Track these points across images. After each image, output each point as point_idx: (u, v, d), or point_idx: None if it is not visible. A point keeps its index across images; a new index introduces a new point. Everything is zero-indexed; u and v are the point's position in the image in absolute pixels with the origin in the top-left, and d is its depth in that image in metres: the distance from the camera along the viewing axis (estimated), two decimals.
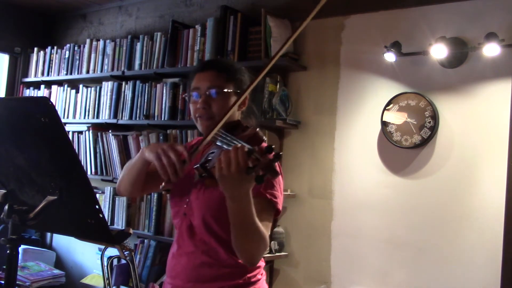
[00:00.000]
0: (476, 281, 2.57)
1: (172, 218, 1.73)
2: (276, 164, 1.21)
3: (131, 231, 2.63)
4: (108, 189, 3.89)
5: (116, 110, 3.93)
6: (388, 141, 2.84)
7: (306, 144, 3.17)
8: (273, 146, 1.20)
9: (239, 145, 1.23)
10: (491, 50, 2.51)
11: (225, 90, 1.61)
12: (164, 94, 3.59)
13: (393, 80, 2.90)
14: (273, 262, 3.19)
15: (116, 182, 3.96)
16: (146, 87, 3.74)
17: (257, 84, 3.50)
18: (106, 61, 4.09)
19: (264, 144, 1.30)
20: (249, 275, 1.61)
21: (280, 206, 1.56)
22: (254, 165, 1.19)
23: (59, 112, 3.04)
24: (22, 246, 4.10)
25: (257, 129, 1.40)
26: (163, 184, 1.43)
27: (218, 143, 1.41)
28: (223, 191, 1.28)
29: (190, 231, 1.61)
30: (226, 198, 1.31)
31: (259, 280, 1.64)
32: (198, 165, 1.36)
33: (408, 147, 2.79)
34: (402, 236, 2.80)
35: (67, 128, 4.17)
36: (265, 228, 1.43)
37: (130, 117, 3.81)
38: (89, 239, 1.49)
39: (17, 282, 3.59)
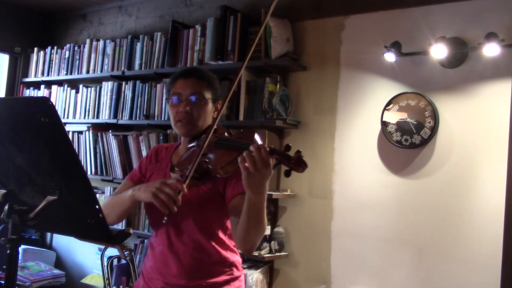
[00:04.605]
0: (476, 281, 2.57)
1: (152, 224, 1.81)
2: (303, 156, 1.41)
3: (131, 231, 2.62)
4: (108, 189, 3.89)
5: (116, 110, 3.93)
6: (388, 141, 2.84)
7: (306, 144, 3.17)
8: (290, 145, 1.43)
9: (261, 145, 1.40)
10: (491, 50, 2.50)
11: (206, 97, 1.75)
12: (164, 94, 3.59)
13: (393, 80, 2.90)
14: (273, 262, 3.19)
15: (116, 182, 3.96)
16: (146, 87, 3.74)
17: (257, 84, 3.51)
18: (106, 61, 4.09)
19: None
20: (234, 271, 1.74)
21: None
22: (279, 162, 1.40)
23: (59, 112, 3.04)
24: (22, 246, 4.11)
25: (255, 134, 1.57)
26: (165, 218, 1.53)
27: (215, 146, 1.57)
28: (246, 188, 1.43)
29: (178, 231, 1.70)
30: (246, 193, 1.46)
31: (240, 275, 1.78)
32: (189, 167, 1.54)
33: (408, 147, 2.79)
34: (402, 236, 2.80)
35: (67, 128, 4.17)
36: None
37: (130, 117, 3.81)
38: (89, 239, 1.49)
39: (17, 282, 3.59)
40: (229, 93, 1.64)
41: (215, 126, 1.62)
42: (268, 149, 1.39)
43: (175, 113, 1.74)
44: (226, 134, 1.68)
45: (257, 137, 1.56)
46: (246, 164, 1.37)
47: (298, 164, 1.39)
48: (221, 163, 1.52)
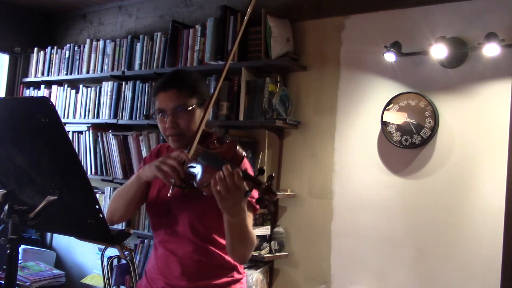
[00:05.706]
0: (476, 281, 2.57)
1: (152, 228, 1.82)
2: (273, 185, 1.38)
3: (131, 231, 2.63)
4: (108, 189, 3.89)
5: (116, 110, 3.93)
6: (388, 141, 2.84)
7: (306, 144, 3.17)
8: (264, 168, 1.39)
9: (233, 169, 1.37)
10: (491, 50, 2.50)
11: (190, 107, 1.69)
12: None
13: (393, 80, 2.90)
14: (273, 262, 3.19)
15: (116, 182, 3.96)
16: (146, 87, 3.74)
17: (257, 84, 3.48)
18: (106, 61, 4.09)
19: (246, 162, 1.56)
20: (235, 273, 1.75)
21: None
22: (250, 188, 1.36)
23: (59, 112, 3.04)
24: (22, 246, 4.10)
25: (237, 146, 1.53)
26: (170, 191, 1.54)
27: (200, 159, 1.56)
28: (222, 210, 1.44)
29: (176, 236, 1.71)
30: (223, 214, 1.49)
31: (242, 278, 1.78)
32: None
33: (408, 147, 2.79)
34: (402, 236, 2.80)
35: (67, 128, 4.17)
36: (251, 229, 1.60)
37: (130, 117, 3.81)
38: (89, 239, 1.49)
39: (17, 282, 3.59)
40: (212, 96, 1.64)
41: (202, 128, 1.61)
42: (241, 174, 1.36)
43: (163, 128, 1.71)
44: (215, 142, 1.64)
45: (239, 150, 1.53)
46: (218, 188, 1.36)
47: (267, 193, 1.35)
48: (204, 181, 1.50)
